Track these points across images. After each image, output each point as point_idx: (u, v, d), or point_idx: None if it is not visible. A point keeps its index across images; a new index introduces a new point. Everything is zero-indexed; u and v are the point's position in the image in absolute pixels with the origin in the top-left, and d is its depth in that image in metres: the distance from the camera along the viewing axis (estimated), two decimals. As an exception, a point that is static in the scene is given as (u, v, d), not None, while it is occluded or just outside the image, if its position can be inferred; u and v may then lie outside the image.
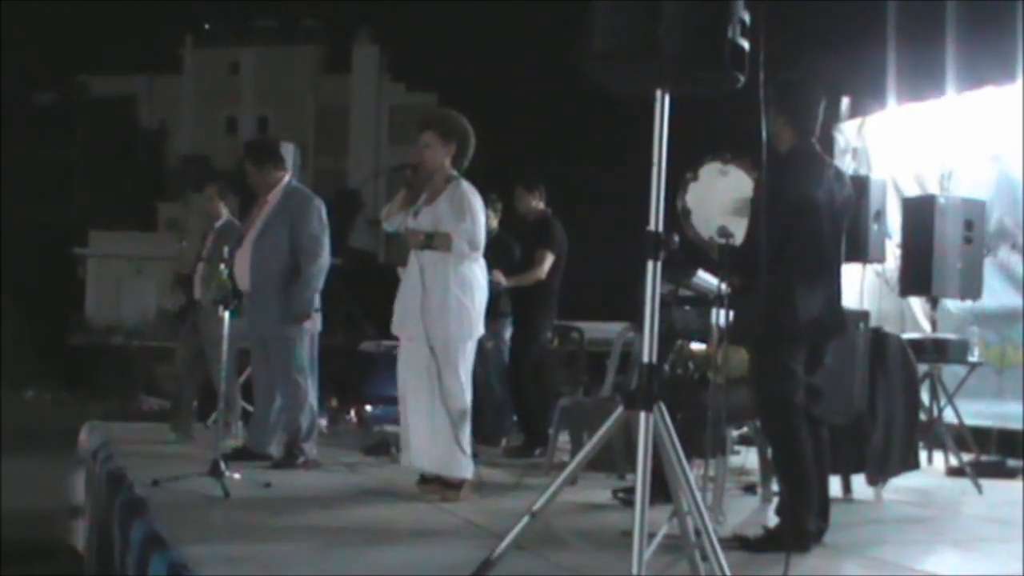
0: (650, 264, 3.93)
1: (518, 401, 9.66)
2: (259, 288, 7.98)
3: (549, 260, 9.44)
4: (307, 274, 8.01)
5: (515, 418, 10.08)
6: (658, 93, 3.97)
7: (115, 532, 5.99)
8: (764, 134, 4.30)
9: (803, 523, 5.43)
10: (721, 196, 6.14)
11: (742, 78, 3.96)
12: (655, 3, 3.79)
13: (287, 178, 8.32)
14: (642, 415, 3.87)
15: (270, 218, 8.14)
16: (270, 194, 8.23)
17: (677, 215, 6.26)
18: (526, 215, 9.70)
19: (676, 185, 6.28)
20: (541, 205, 9.68)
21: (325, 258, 8.11)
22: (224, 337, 7.14)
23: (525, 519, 4.04)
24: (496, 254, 8.51)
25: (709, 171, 6.39)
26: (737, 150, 6.30)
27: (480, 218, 6.74)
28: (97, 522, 7.10)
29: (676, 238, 4.02)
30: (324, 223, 8.16)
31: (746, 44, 3.93)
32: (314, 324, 8.15)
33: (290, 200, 8.19)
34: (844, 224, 5.85)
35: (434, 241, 6.63)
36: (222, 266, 7.27)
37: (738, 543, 5.44)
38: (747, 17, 3.92)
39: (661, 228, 3.95)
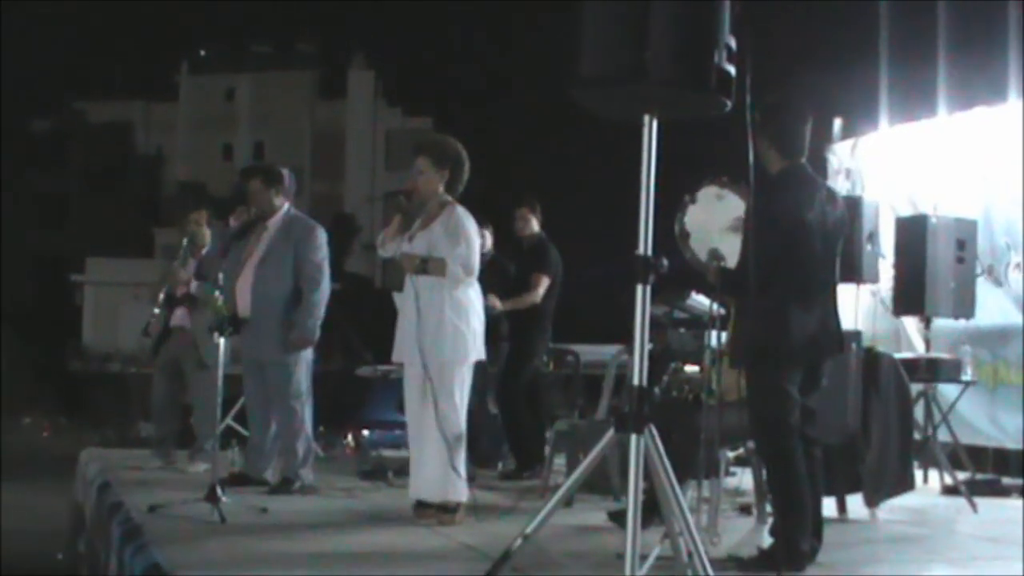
0: (639, 288, 3.96)
1: (510, 424, 9.60)
2: (259, 313, 7.98)
3: (545, 284, 9.43)
4: (310, 301, 8.03)
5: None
6: (646, 118, 4.02)
7: (112, 559, 6.01)
8: (751, 157, 4.33)
9: (797, 543, 5.45)
10: (718, 219, 6.17)
11: (729, 103, 4.01)
12: (641, 29, 3.83)
13: (287, 205, 8.35)
14: (633, 438, 3.90)
15: (272, 244, 8.16)
16: (270, 220, 8.25)
17: (675, 237, 6.29)
18: (522, 238, 9.69)
19: (675, 207, 6.31)
20: (537, 228, 9.69)
21: (327, 285, 8.15)
22: (220, 363, 7.15)
23: (518, 542, 4.06)
24: (491, 278, 8.54)
25: (707, 194, 6.42)
26: (735, 173, 6.33)
27: (474, 243, 6.77)
28: (95, 549, 7.12)
29: (665, 261, 4.04)
30: (326, 251, 8.20)
31: (732, 69, 3.97)
32: (308, 350, 8.16)
33: (292, 227, 8.21)
34: (838, 245, 5.88)
35: (429, 266, 6.66)
36: (217, 292, 7.29)
37: (732, 563, 5.46)
38: (733, 42, 3.97)
39: (650, 252, 3.99)
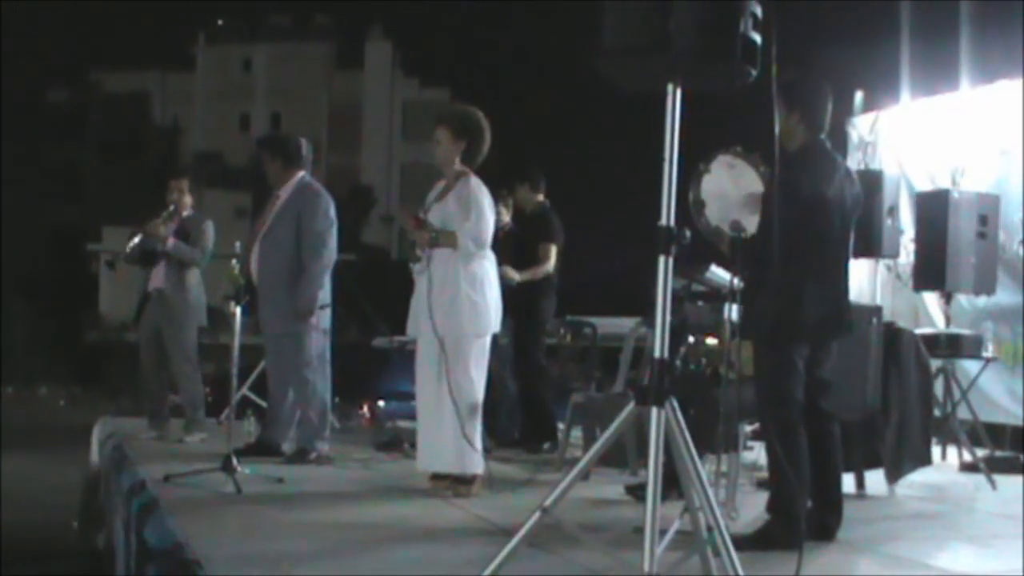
0: (662, 259, 3.91)
1: (522, 396, 9.54)
2: (265, 284, 7.99)
3: (553, 253, 9.39)
4: (310, 271, 8.00)
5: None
6: (669, 88, 3.95)
7: (127, 529, 5.99)
8: (777, 129, 4.27)
9: (795, 519, 5.33)
10: (732, 189, 6.12)
11: (754, 72, 3.94)
12: (666, -2, 3.77)
13: (300, 174, 8.31)
14: (653, 411, 3.85)
15: (279, 214, 8.15)
16: (282, 189, 8.24)
17: (689, 207, 6.24)
18: (524, 206, 9.61)
19: (689, 177, 6.26)
20: (540, 197, 9.61)
21: (329, 255, 8.10)
22: (235, 333, 7.13)
23: (536, 515, 4.02)
24: (508, 249, 8.48)
25: (720, 163, 6.37)
26: (749, 143, 6.29)
27: (486, 216, 6.71)
28: (109, 518, 7.12)
29: (688, 233, 3.98)
30: (331, 219, 8.14)
31: (758, 38, 3.90)
32: (322, 319, 8.14)
33: (299, 196, 8.19)
34: (853, 222, 5.84)
35: (440, 239, 6.62)
36: (233, 261, 7.27)
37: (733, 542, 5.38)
38: (759, 11, 3.90)
39: (673, 223, 3.93)
